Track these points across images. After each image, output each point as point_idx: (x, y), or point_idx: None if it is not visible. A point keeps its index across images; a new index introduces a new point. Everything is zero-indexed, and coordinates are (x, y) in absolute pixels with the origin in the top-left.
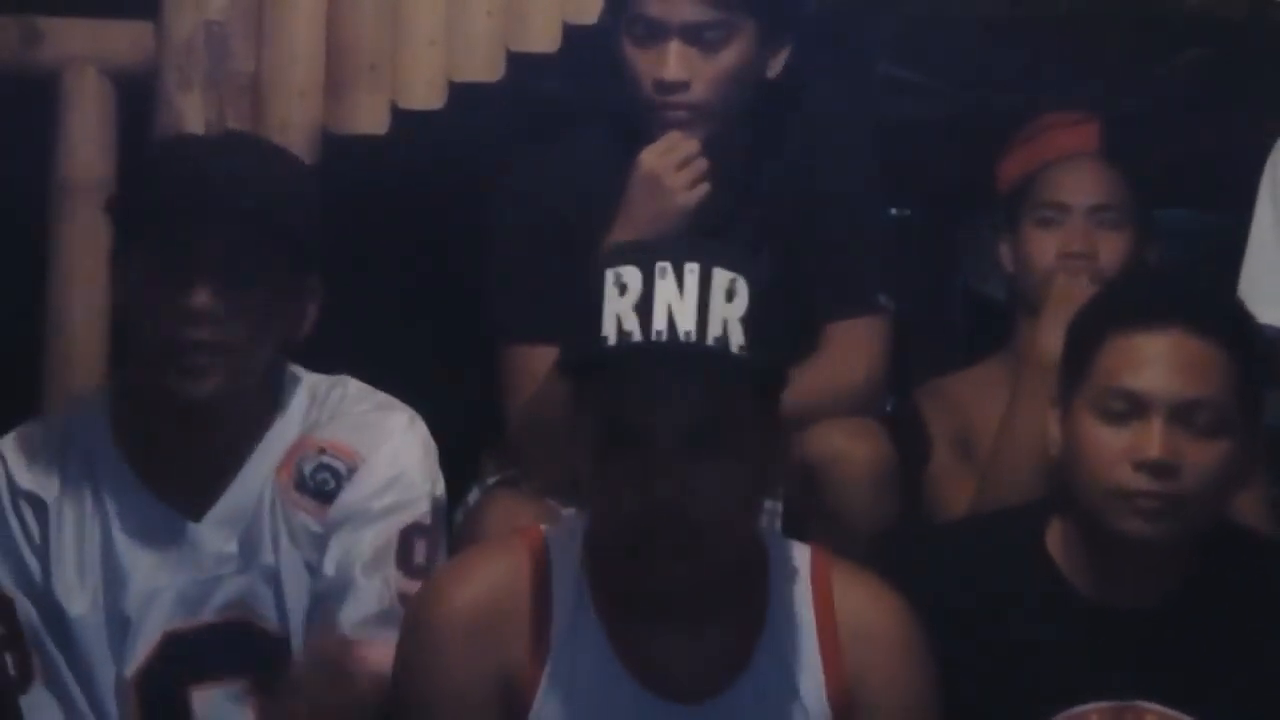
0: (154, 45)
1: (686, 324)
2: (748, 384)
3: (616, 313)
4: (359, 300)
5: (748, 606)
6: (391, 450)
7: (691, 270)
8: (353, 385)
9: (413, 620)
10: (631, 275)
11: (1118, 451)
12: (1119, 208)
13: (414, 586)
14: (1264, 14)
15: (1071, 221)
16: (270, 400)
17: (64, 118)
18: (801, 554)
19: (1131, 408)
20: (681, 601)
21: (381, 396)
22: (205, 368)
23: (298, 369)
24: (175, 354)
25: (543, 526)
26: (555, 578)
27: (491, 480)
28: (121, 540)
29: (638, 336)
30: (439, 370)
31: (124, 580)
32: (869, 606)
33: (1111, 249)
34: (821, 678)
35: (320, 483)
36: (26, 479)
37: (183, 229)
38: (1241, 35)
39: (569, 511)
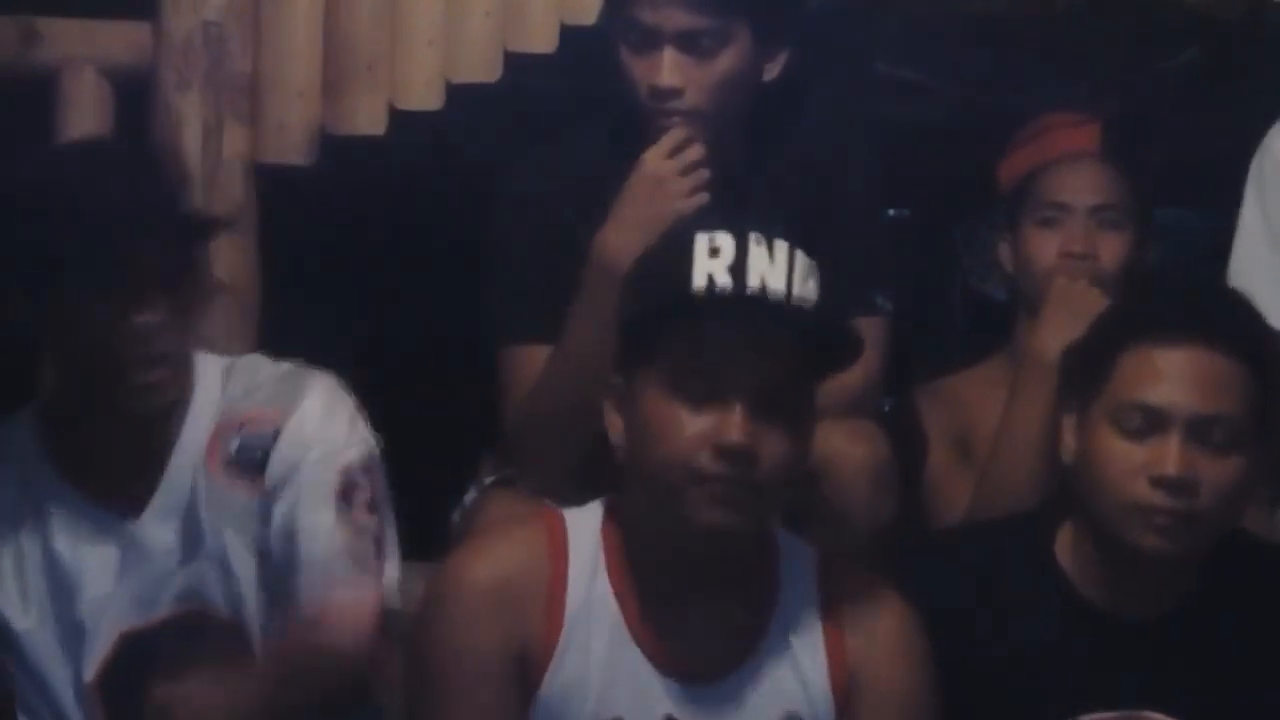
0: (152, 45)
1: (778, 287)
2: (819, 358)
3: (709, 271)
4: (356, 300)
5: (758, 590)
6: (309, 407)
7: (781, 246)
8: (263, 360)
9: (433, 593)
10: (725, 240)
11: (1135, 466)
12: (1119, 208)
13: (361, 526)
14: (1262, 14)
15: (1072, 222)
16: (187, 387)
17: (62, 118)
18: (808, 551)
19: (1149, 422)
20: (701, 580)
21: (291, 365)
22: (155, 384)
23: (206, 354)
24: (125, 373)
25: (561, 509)
26: (573, 557)
27: (488, 480)
28: (64, 550)
29: (730, 292)
30: (436, 371)
31: (74, 589)
32: (871, 605)
33: (1112, 249)
34: (825, 666)
35: (248, 456)
36: None
37: (108, 246)
38: (1240, 35)
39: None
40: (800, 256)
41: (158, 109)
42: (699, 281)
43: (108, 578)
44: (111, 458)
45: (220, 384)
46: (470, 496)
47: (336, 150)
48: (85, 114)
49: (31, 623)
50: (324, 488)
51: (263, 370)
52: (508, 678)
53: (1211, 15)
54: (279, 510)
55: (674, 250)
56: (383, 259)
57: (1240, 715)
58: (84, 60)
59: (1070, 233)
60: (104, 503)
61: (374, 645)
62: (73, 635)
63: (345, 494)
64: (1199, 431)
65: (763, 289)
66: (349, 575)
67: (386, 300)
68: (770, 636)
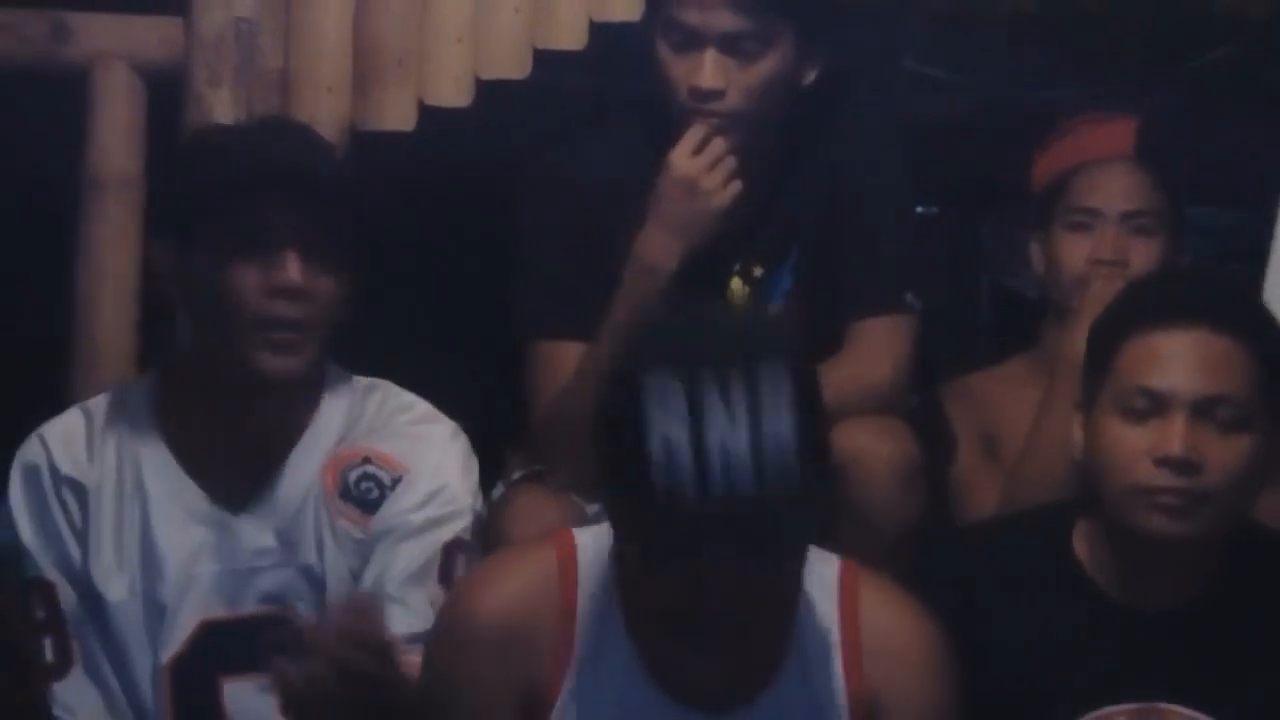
0: (183, 41)
1: (741, 468)
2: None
3: (668, 448)
4: (385, 297)
5: (776, 620)
6: (435, 463)
7: (738, 385)
8: (393, 391)
9: (440, 625)
10: (676, 398)
11: (1140, 449)
12: (1152, 213)
13: None
14: None
15: (1103, 227)
16: (315, 395)
17: (94, 114)
18: (830, 567)
19: (1153, 405)
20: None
21: (424, 406)
22: (294, 343)
23: (336, 367)
24: (265, 330)
25: (575, 531)
26: (583, 586)
27: (516, 475)
28: (160, 527)
29: (691, 492)
30: (464, 367)
31: (160, 567)
32: (894, 623)
33: (1143, 255)
34: (842, 692)
35: (364, 492)
36: (68, 465)
37: (266, 205)
38: (1270, 33)
39: (593, 508)
40: (765, 374)
41: (189, 105)
42: (655, 463)
43: (195, 562)
44: (226, 444)
45: (348, 401)
46: (497, 492)
47: (366, 146)
48: (117, 109)
49: (121, 595)
50: (424, 562)
51: (394, 406)
52: (515, 716)
53: (1243, 12)
54: (376, 560)
55: (629, 397)
56: (411, 255)
57: (1258, 709)
58: (115, 56)
59: (1101, 239)
60: (209, 488)
61: None
62: (155, 614)
63: (445, 574)
64: (1203, 412)
65: (726, 475)
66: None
67: (414, 296)
68: (787, 663)
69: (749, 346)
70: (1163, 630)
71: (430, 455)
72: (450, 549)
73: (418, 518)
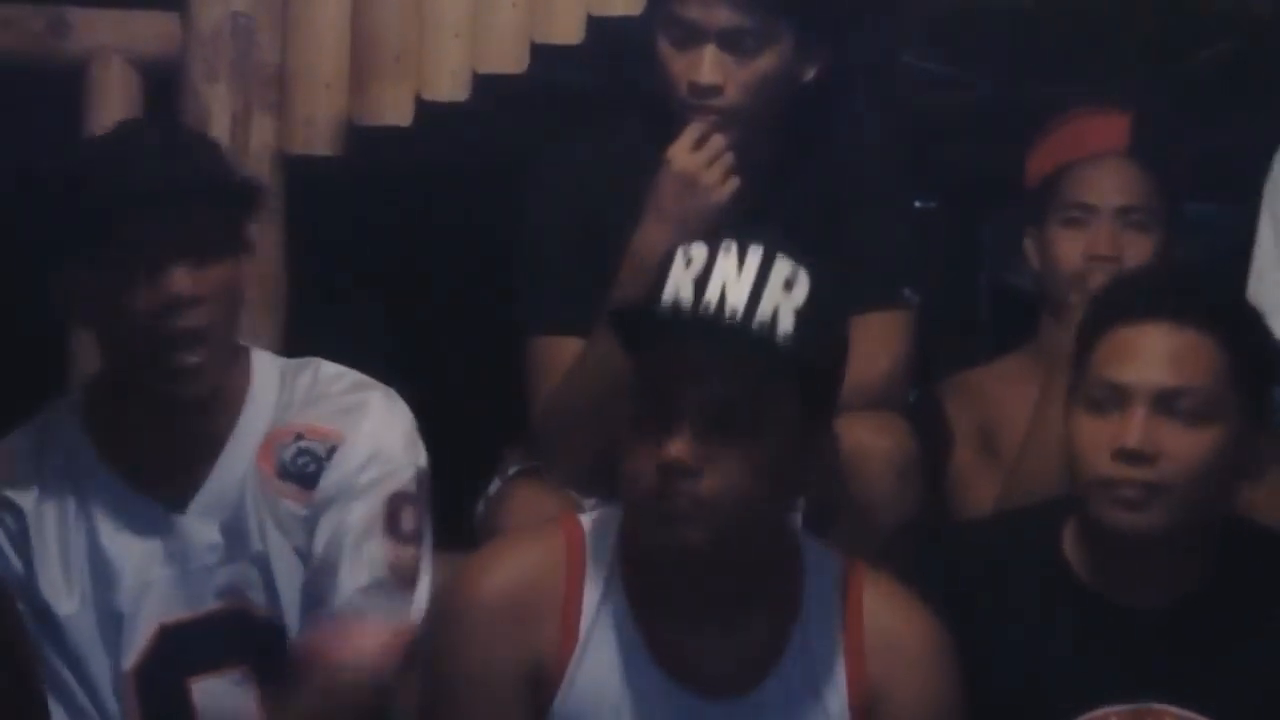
0: (180, 36)
1: (737, 302)
2: (787, 373)
3: (676, 283)
4: (382, 290)
5: (779, 608)
6: (370, 427)
7: (755, 251)
8: (323, 366)
9: (445, 605)
10: (698, 250)
11: (1101, 442)
12: (1146, 209)
13: (405, 553)
14: None
15: (1098, 223)
16: (242, 384)
17: (91, 108)
18: (835, 562)
19: (1115, 398)
20: (710, 595)
21: (355, 376)
22: (199, 356)
23: (263, 352)
24: (167, 348)
25: (581, 516)
26: (590, 567)
27: (513, 470)
28: (108, 537)
29: (688, 307)
30: (462, 360)
31: (114, 576)
32: (897, 621)
33: (1138, 251)
34: (845, 687)
35: (301, 467)
36: (4, 487)
37: (133, 223)
38: (1270, 29)
39: (590, 502)
40: (781, 263)
41: (186, 100)
42: (664, 298)
43: (149, 568)
44: (158, 448)
45: (278, 385)
46: (494, 487)
47: (363, 141)
48: (114, 104)
49: (73, 609)
50: (368, 518)
51: (324, 379)
52: (520, 694)
53: (1243, 8)
54: (324, 526)
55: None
56: (409, 249)
57: (1249, 705)
58: (113, 50)
59: (1096, 234)
60: (148, 493)
61: (394, 674)
62: (112, 623)
63: (391, 524)
64: (1165, 404)
65: (720, 303)
66: (380, 606)
67: (412, 290)
68: (790, 654)
69: (776, 243)
70: (1153, 629)
71: (363, 421)
72: (394, 500)
73: (361, 479)
